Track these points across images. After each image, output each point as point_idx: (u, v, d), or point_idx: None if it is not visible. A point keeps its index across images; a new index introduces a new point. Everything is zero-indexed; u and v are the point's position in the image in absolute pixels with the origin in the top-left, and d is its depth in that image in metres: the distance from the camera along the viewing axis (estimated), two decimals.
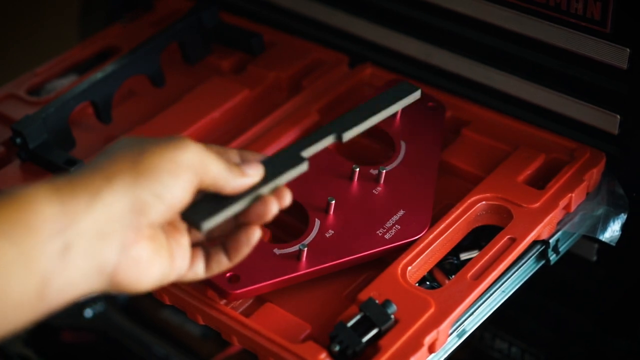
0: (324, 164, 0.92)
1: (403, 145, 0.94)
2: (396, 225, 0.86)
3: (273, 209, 0.72)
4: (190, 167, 0.68)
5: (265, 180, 0.73)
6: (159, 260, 0.68)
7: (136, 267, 0.66)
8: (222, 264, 0.73)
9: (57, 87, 1.10)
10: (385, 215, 0.87)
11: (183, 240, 0.71)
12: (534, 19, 0.93)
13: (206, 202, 0.72)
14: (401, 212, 0.87)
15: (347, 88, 1.04)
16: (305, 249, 0.83)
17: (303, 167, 0.75)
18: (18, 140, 0.94)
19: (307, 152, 0.76)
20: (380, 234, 0.85)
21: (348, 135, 0.78)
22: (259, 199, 0.72)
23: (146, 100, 1.06)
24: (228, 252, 0.73)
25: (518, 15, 0.94)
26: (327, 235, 0.85)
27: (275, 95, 1.06)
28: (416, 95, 0.84)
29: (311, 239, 0.85)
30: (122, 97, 1.06)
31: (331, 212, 0.87)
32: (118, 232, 0.65)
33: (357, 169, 0.90)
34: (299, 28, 1.13)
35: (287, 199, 0.74)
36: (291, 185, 0.74)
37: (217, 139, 1.00)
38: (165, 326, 1.27)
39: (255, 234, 0.73)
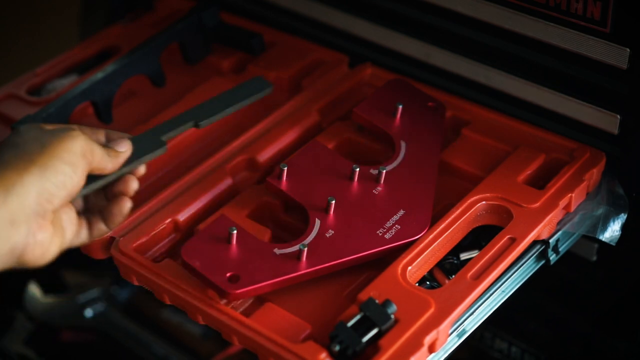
0: (324, 164, 0.92)
1: (403, 145, 0.94)
2: (396, 225, 0.86)
3: (133, 185, 0.83)
4: (83, 154, 0.77)
5: (128, 161, 0.82)
6: (58, 238, 0.78)
7: (40, 248, 0.75)
8: (102, 230, 0.83)
9: (57, 87, 1.10)
10: (385, 215, 0.87)
11: (71, 213, 0.80)
12: (534, 19, 0.93)
13: None
14: (401, 212, 0.87)
15: (347, 88, 1.04)
16: (306, 248, 0.83)
17: (162, 150, 0.84)
18: None
19: (167, 136, 0.85)
20: (380, 234, 0.85)
21: (206, 123, 0.87)
22: (121, 177, 0.83)
23: (146, 100, 1.06)
24: (105, 221, 0.83)
25: (518, 15, 0.94)
26: (327, 235, 0.85)
27: (275, 95, 1.06)
28: (268, 91, 0.92)
29: (311, 238, 0.85)
30: (122, 97, 1.05)
31: (331, 212, 0.87)
32: (26, 220, 0.74)
33: (357, 169, 0.90)
34: (299, 28, 1.13)
35: (142, 171, 0.84)
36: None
37: (217, 138, 1.00)
38: (165, 326, 1.27)
39: (126, 206, 0.83)
